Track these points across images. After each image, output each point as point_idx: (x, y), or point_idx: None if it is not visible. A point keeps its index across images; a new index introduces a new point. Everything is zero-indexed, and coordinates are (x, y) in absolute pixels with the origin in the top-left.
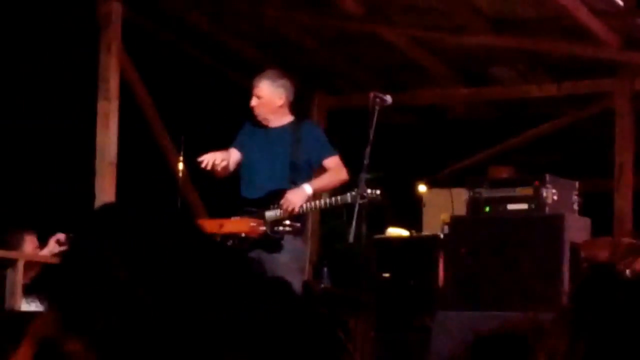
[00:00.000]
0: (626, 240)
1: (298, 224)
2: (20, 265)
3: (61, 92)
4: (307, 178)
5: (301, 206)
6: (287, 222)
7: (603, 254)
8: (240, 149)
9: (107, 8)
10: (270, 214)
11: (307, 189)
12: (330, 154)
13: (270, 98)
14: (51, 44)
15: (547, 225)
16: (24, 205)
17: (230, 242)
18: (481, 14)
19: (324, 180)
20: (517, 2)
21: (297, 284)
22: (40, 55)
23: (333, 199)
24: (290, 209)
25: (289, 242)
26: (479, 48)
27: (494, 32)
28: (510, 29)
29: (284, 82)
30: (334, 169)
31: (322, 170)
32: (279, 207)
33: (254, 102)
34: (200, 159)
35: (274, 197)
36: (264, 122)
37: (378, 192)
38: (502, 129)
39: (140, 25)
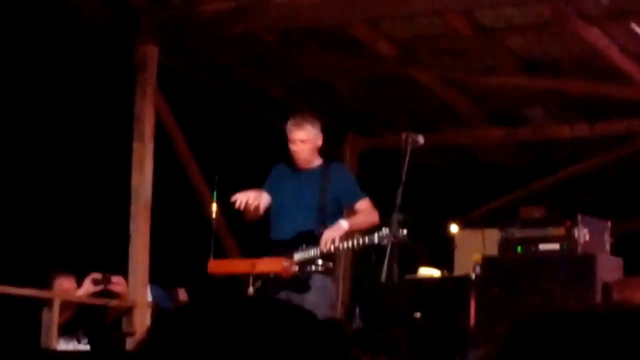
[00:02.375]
0: None
1: (330, 263)
2: (57, 304)
3: (97, 134)
4: (335, 220)
5: (339, 240)
6: (320, 261)
7: (637, 295)
8: (270, 193)
9: (143, 51)
10: (299, 255)
11: (344, 224)
12: (361, 197)
13: (314, 141)
14: (88, 86)
15: (579, 265)
16: (61, 247)
17: (259, 283)
18: (513, 55)
19: (357, 220)
20: (548, 42)
21: None
22: (77, 98)
23: (366, 237)
24: (329, 243)
25: (318, 280)
26: (511, 89)
27: (525, 73)
28: (542, 69)
29: (319, 124)
30: (366, 211)
31: (353, 212)
32: (309, 247)
33: (297, 147)
34: (233, 199)
35: (303, 239)
36: (304, 165)
37: (405, 232)
38: (534, 170)
39: (176, 68)
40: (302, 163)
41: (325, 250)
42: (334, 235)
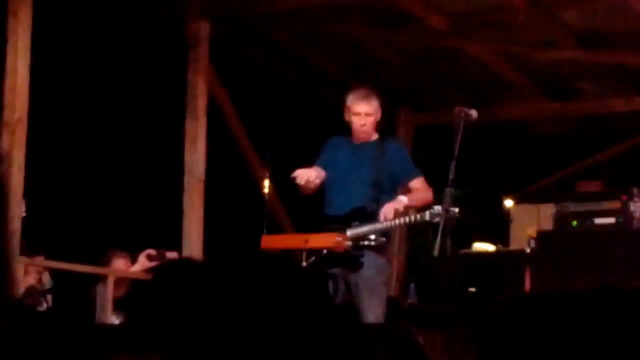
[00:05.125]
0: None
1: (383, 239)
2: (111, 281)
3: (151, 111)
4: (391, 196)
5: (398, 212)
6: (372, 237)
7: None
8: (324, 167)
9: (195, 27)
10: (353, 231)
11: (404, 198)
12: (417, 175)
13: (377, 114)
14: (141, 63)
15: (635, 239)
16: (117, 225)
17: (312, 258)
18: (567, 29)
19: (414, 197)
20: (603, 16)
21: (382, 298)
22: (130, 75)
23: (418, 215)
24: (390, 214)
25: (371, 257)
26: (565, 63)
27: (580, 47)
28: (596, 43)
29: (379, 99)
30: (422, 189)
31: (407, 189)
32: (363, 223)
33: (363, 120)
34: (294, 174)
35: (357, 215)
36: (364, 139)
37: (457, 210)
38: (590, 144)
39: (228, 43)
40: (364, 136)
41: (385, 223)
42: (395, 207)
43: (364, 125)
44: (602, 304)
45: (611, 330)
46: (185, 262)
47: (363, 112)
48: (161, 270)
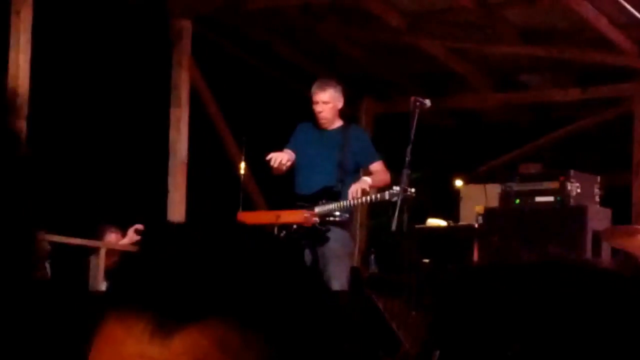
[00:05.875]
0: None
1: (347, 215)
2: (103, 252)
3: (139, 100)
4: (354, 178)
5: (365, 192)
6: (337, 213)
7: (623, 241)
8: (294, 150)
9: (178, 26)
10: (320, 208)
11: (368, 180)
12: (377, 159)
13: (335, 102)
14: (131, 58)
15: (572, 215)
16: (108, 201)
17: (283, 232)
18: (512, 26)
19: (375, 178)
20: (544, 14)
21: (346, 268)
22: (120, 69)
23: (378, 194)
24: (358, 193)
25: (336, 231)
26: (510, 56)
27: (523, 42)
28: (538, 39)
29: (341, 88)
30: (381, 171)
31: (368, 172)
32: (329, 201)
33: (320, 107)
34: (269, 157)
35: (324, 194)
36: (327, 125)
37: (413, 190)
38: (531, 131)
39: (208, 39)
40: (324, 123)
41: (351, 201)
42: (361, 187)
43: (320, 112)
44: (541, 274)
45: (547, 298)
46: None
47: (320, 101)
48: (146, 236)
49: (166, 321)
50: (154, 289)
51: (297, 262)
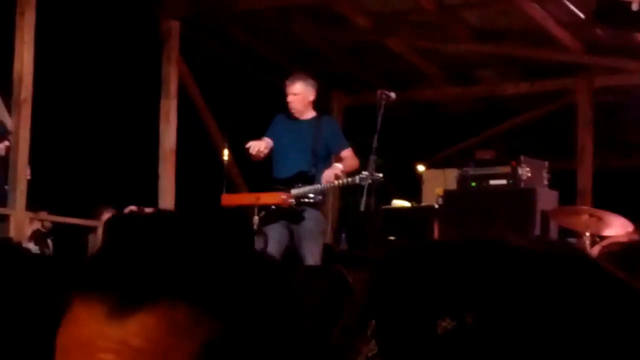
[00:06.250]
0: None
1: (320, 197)
2: (100, 231)
3: (132, 93)
4: (326, 164)
5: (337, 177)
6: (312, 195)
7: (569, 220)
8: (272, 138)
9: (167, 25)
10: (296, 190)
11: (339, 166)
12: (346, 146)
13: (304, 95)
14: (124, 55)
15: (522, 197)
16: (105, 185)
17: (263, 213)
18: (467, 26)
19: (345, 164)
20: (496, 15)
21: (319, 245)
22: (114, 65)
23: (350, 179)
24: (332, 178)
25: (311, 212)
26: (466, 54)
27: (478, 41)
28: (491, 37)
29: (312, 82)
30: (350, 158)
31: (339, 158)
32: (304, 185)
33: (290, 98)
34: (248, 145)
35: (299, 178)
36: (297, 115)
37: (381, 175)
38: (486, 121)
39: (195, 38)
40: (295, 112)
41: (325, 184)
42: (334, 172)
43: (290, 102)
44: (463, 251)
45: (465, 274)
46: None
47: (291, 93)
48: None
49: (122, 303)
50: (112, 274)
51: (240, 244)
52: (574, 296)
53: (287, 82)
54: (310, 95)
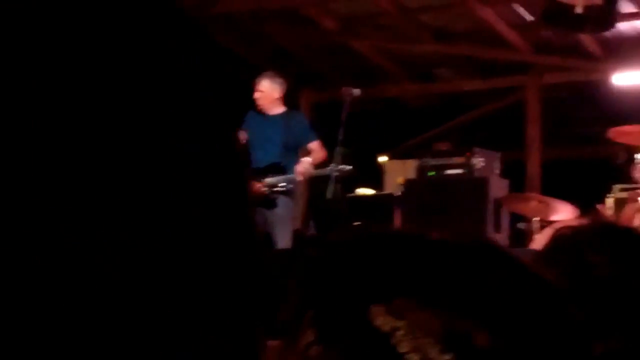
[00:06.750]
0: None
1: (291, 186)
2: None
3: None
4: (295, 155)
5: (308, 169)
6: (283, 184)
7: (518, 206)
8: (246, 132)
9: None
10: (269, 180)
11: (309, 159)
12: (314, 139)
13: (270, 92)
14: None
15: (476, 185)
16: None
17: None
18: (427, 28)
19: (314, 156)
20: (454, 18)
21: (290, 230)
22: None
23: (319, 170)
24: (304, 170)
25: (282, 199)
26: (426, 54)
27: (436, 41)
28: (448, 39)
29: (280, 80)
30: (318, 150)
31: (307, 150)
32: (275, 174)
33: (257, 95)
34: None
35: (272, 168)
36: (264, 111)
37: (349, 167)
38: (443, 115)
39: None
40: (261, 108)
41: (300, 177)
42: (305, 166)
43: (257, 99)
44: (391, 243)
45: (391, 265)
46: None
47: (257, 90)
48: None
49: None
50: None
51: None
52: (483, 282)
53: (256, 80)
54: (276, 93)
